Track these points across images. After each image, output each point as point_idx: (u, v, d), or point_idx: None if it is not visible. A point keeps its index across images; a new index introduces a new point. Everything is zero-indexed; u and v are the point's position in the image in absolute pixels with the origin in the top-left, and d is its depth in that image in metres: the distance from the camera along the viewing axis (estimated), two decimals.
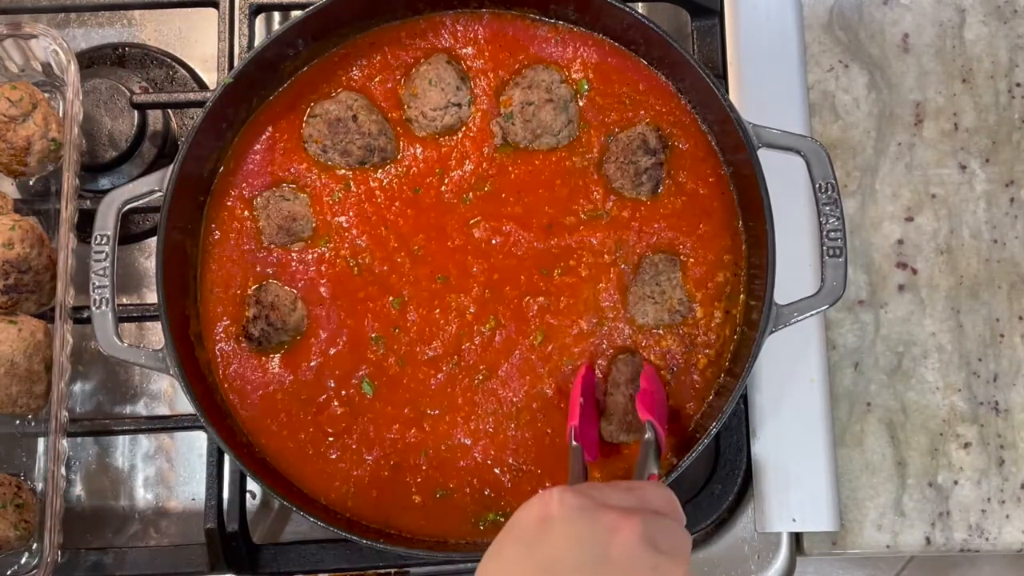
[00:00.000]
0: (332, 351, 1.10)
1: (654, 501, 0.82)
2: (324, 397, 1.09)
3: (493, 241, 1.11)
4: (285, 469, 1.08)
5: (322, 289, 1.11)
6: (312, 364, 1.10)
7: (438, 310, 1.10)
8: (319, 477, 1.08)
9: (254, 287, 1.11)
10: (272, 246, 1.12)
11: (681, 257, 1.11)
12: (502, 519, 1.06)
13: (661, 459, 0.97)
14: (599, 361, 1.09)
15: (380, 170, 1.13)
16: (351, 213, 1.12)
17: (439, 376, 1.09)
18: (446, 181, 1.13)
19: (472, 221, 1.12)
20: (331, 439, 1.08)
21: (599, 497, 0.78)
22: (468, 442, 1.08)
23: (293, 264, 1.12)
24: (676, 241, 1.11)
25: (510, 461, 1.08)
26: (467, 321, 1.10)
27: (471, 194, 1.12)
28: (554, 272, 1.11)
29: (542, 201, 1.12)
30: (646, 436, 0.95)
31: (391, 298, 1.11)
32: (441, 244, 1.11)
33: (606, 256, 1.11)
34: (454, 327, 1.10)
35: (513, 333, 1.10)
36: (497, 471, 1.08)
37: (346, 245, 1.12)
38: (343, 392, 1.09)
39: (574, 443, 0.95)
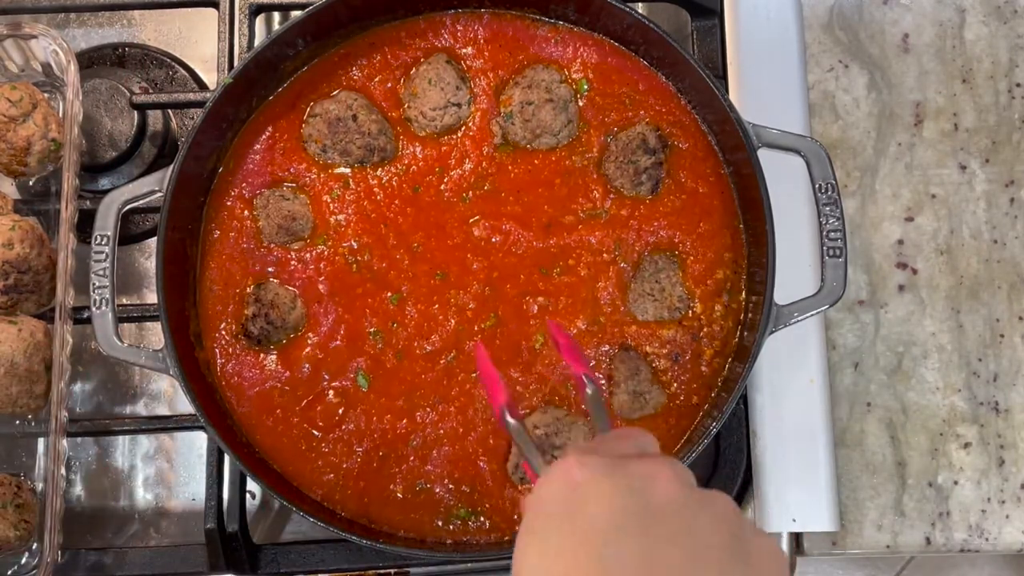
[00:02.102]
0: (330, 346, 1.10)
1: (647, 444, 0.78)
2: (319, 391, 1.09)
3: (493, 240, 1.11)
4: (280, 464, 1.08)
5: (321, 287, 1.11)
6: (309, 360, 1.10)
7: (436, 305, 1.10)
8: (312, 471, 1.08)
9: (253, 285, 1.11)
10: (272, 245, 1.12)
11: (681, 255, 1.11)
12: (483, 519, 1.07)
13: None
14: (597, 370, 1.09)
15: (380, 169, 1.13)
16: (350, 211, 1.12)
17: (436, 370, 1.09)
18: (445, 180, 1.13)
19: (472, 220, 1.12)
20: (322, 432, 1.08)
21: (614, 450, 0.74)
22: (461, 431, 1.08)
23: (292, 263, 1.12)
24: (676, 239, 1.11)
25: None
26: (467, 318, 1.10)
27: (470, 193, 1.12)
28: (553, 271, 1.11)
29: (541, 200, 1.12)
30: (588, 391, 0.84)
31: (389, 294, 1.11)
32: (441, 242, 1.11)
33: (605, 255, 1.11)
34: (453, 322, 1.10)
35: (513, 332, 1.10)
36: (481, 463, 1.08)
37: (345, 243, 1.12)
38: (337, 384, 1.09)
39: (510, 420, 0.82)
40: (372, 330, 1.10)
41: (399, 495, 1.08)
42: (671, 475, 0.70)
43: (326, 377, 1.10)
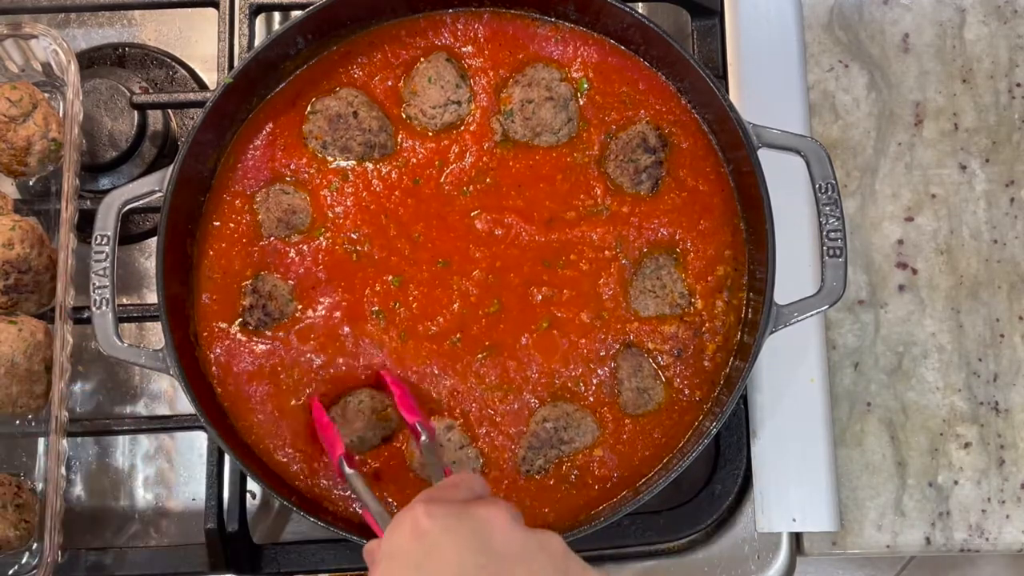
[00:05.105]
0: (327, 333, 1.10)
1: (479, 488, 0.85)
2: (313, 375, 1.09)
3: (496, 232, 1.11)
4: (279, 457, 1.08)
5: (320, 276, 1.11)
6: (306, 346, 1.09)
7: (439, 289, 1.10)
8: (308, 460, 1.08)
9: (252, 277, 1.10)
10: (271, 238, 1.12)
11: (681, 252, 1.11)
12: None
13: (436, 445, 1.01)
14: (599, 369, 1.10)
15: (380, 163, 1.13)
16: (350, 203, 1.12)
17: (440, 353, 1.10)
18: (445, 173, 1.13)
19: (473, 213, 1.12)
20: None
21: (453, 497, 0.81)
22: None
23: (292, 255, 1.11)
24: (676, 236, 1.11)
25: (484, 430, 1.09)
26: (470, 303, 1.10)
27: (471, 187, 1.12)
28: (557, 265, 1.11)
29: (543, 195, 1.12)
30: (423, 440, 0.98)
31: (390, 277, 1.10)
32: (442, 232, 1.11)
33: (606, 252, 1.11)
34: (456, 305, 1.10)
35: (516, 318, 1.09)
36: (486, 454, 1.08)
37: (343, 234, 1.11)
38: (332, 371, 1.09)
39: (348, 470, 0.96)
40: (375, 308, 1.10)
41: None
42: (507, 519, 0.77)
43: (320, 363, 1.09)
